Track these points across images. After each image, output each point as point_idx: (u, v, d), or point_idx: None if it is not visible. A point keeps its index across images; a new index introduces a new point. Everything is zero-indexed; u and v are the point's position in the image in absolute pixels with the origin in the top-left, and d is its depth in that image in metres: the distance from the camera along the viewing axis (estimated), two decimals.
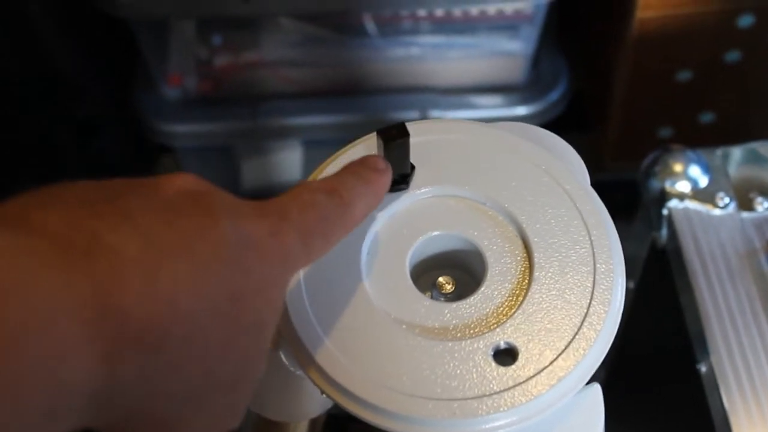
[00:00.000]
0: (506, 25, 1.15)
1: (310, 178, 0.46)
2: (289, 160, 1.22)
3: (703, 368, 0.64)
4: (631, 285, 0.79)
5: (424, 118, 1.17)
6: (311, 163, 1.22)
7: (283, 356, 0.44)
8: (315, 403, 0.49)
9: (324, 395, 0.41)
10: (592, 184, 0.48)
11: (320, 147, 1.20)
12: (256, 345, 0.34)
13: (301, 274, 0.42)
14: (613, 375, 0.76)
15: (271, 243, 0.34)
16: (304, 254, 0.36)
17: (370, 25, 1.14)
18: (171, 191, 0.33)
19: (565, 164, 0.47)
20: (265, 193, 1.21)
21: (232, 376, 0.34)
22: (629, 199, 0.78)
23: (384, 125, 0.43)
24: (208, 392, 0.33)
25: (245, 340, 0.33)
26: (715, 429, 0.63)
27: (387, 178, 0.41)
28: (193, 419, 0.33)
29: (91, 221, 0.30)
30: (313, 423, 0.51)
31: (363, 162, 0.41)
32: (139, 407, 0.31)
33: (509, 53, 1.17)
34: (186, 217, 0.32)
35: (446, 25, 1.15)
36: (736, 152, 0.74)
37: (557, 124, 1.20)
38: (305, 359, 0.41)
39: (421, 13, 1.12)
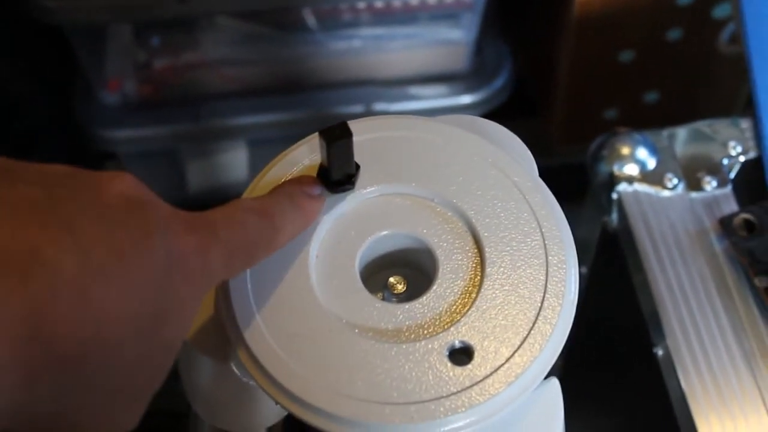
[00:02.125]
0: (447, 13, 1.14)
1: (255, 180, 0.45)
2: (234, 161, 1.21)
3: (660, 351, 0.64)
4: (584, 270, 0.79)
5: (368, 111, 1.16)
6: (257, 162, 1.21)
7: (234, 367, 0.43)
8: (270, 412, 0.48)
9: (278, 405, 0.40)
10: (541, 169, 0.47)
11: (266, 146, 1.19)
12: (166, 360, 0.35)
13: (248, 281, 0.42)
14: (569, 362, 0.76)
15: (196, 260, 0.34)
16: (224, 273, 0.37)
17: (310, 20, 1.13)
18: (111, 196, 0.32)
19: (511, 156, 0.46)
20: (212, 194, 1.20)
21: (140, 389, 0.34)
22: (579, 183, 0.78)
23: (329, 120, 0.42)
24: (113, 405, 0.33)
25: (157, 358, 0.34)
26: (675, 411, 0.63)
27: (319, 205, 0.42)
28: (96, 426, 0.34)
29: (33, 231, 0.29)
30: (271, 431, 0.50)
31: (299, 184, 0.42)
32: (48, 416, 0.31)
33: (451, 42, 1.17)
34: (122, 230, 0.32)
35: (387, 16, 1.14)
36: (682, 132, 0.74)
37: (503, 110, 1.20)
38: (256, 369, 0.40)
39: (361, 5, 1.11)
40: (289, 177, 0.44)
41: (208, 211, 0.37)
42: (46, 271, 0.29)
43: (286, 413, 0.48)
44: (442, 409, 0.39)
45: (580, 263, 0.46)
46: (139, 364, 0.33)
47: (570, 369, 0.77)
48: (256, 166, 1.20)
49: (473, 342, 0.40)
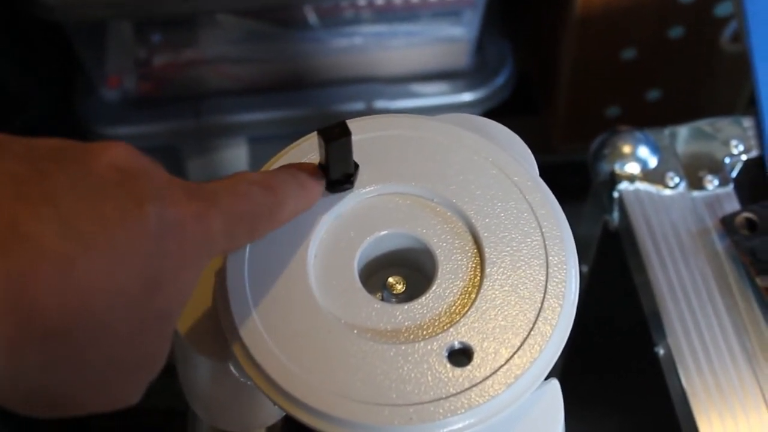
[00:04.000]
0: (448, 10, 1.14)
1: None
2: (235, 158, 1.21)
3: (661, 350, 0.64)
4: (585, 269, 0.79)
5: (369, 108, 1.16)
6: (257, 160, 1.21)
7: (232, 368, 0.43)
8: (269, 412, 0.47)
9: (276, 406, 0.40)
10: (542, 168, 0.47)
11: (266, 143, 1.19)
12: (162, 331, 0.34)
13: (246, 280, 0.41)
14: (570, 363, 0.75)
15: (195, 225, 0.34)
16: (226, 242, 0.36)
17: (311, 17, 1.13)
18: (101, 167, 0.32)
19: (511, 155, 0.46)
20: None
21: (136, 361, 0.34)
22: (580, 182, 0.78)
23: (329, 118, 0.42)
24: (110, 377, 0.33)
25: (152, 327, 0.33)
26: (676, 411, 0.63)
27: (321, 186, 0.42)
28: (92, 399, 0.34)
29: (14, 205, 0.29)
30: (270, 431, 0.50)
31: (300, 166, 0.42)
32: (38, 389, 0.31)
33: (452, 39, 1.16)
34: (111, 201, 0.31)
35: (388, 14, 1.14)
36: (684, 131, 0.74)
37: (504, 108, 1.19)
38: (254, 370, 0.40)
39: (362, 2, 1.11)
40: None
41: (210, 181, 0.36)
42: (25, 244, 0.29)
43: (284, 413, 0.48)
44: (441, 410, 0.38)
45: (581, 262, 0.46)
46: (130, 336, 0.32)
47: (570, 369, 0.77)
48: (257, 163, 1.20)
49: (473, 343, 0.40)
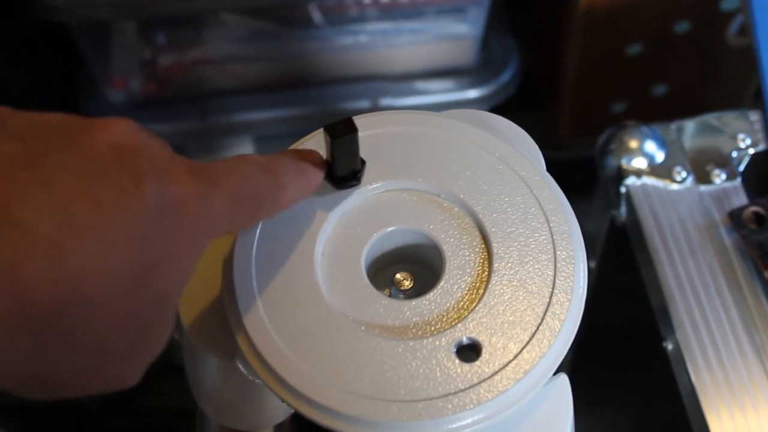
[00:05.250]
0: (453, 7, 1.14)
1: None
2: None
3: (670, 345, 0.64)
4: (593, 264, 0.79)
5: (375, 106, 1.16)
6: None
7: (240, 365, 0.43)
8: (278, 410, 0.47)
9: (284, 403, 0.40)
10: (549, 164, 0.47)
11: (272, 142, 1.19)
12: (160, 315, 0.34)
13: (253, 277, 0.41)
14: (579, 357, 0.75)
15: (196, 205, 0.34)
16: (227, 224, 0.36)
17: (316, 15, 1.12)
18: (101, 145, 0.32)
19: (518, 150, 0.46)
20: None
21: (132, 346, 0.33)
22: (587, 177, 0.78)
23: (335, 116, 0.42)
24: (104, 361, 0.33)
25: (149, 311, 0.33)
26: (685, 406, 0.62)
27: (321, 174, 0.42)
28: (88, 381, 0.33)
29: (6, 190, 0.29)
30: (279, 428, 0.50)
31: (302, 153, 0.42)
32: (32, 372, 0.31)
33: (458, 36, 1.16)
34: (107, 181, 0.31)
35: (393, 11, 1.13)
36: (691, 125, 0.73)
37: (510, 104, 1.19)
38: (262, 367, 0.40)
39: (367, 0, 1.11)
40: None
41: (212, 162, 0.36)
42: (17, 229, 0.29)
43: (293, 411, 0.48)
44: (450, 406, 0.38)
45: (589, 258, 0.46)
46: (126, 319, 0.32)
47: (579, 364, 0.77)
48: None
49: (481, 338, 0.40)
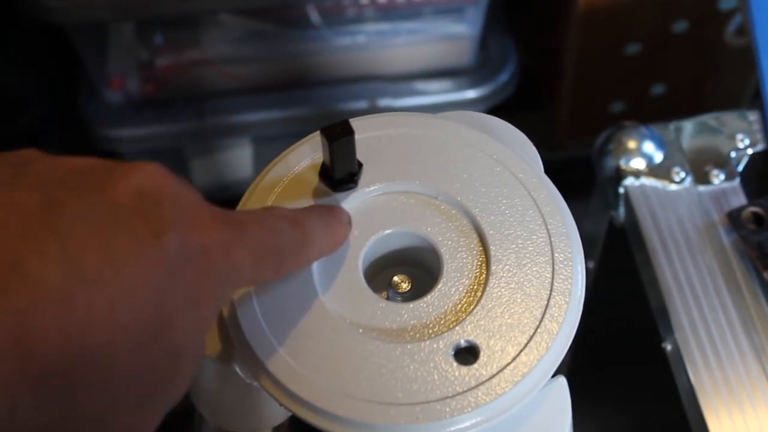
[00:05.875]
0: (451, 7, 1.14)
1: (258, 178, 0.44)
2: (239, 158, 1.21)
3: (669, 346, 0.64)
4: (591, 265, 0.79)
5: (373, 107, 1.16)
6: (262, 159, 1.21)
7: (237, 369, 0.43)
8: (275, 412, 0.47)
9: (282, 406, 0.40)
10: (547, 164, 0.47)
11: (270, 143, 1.19)
12: (175, 367, 0.33)
13: None
14: (577, 359, 0.75)
15: (219, 253, 0.33)
16: (251, 276, 0.35)
17: (313, 16, 1.12)
18: (122, 193, 0.31)
19: (516, 152, 0.45)
20: (217, 192, 1.19)
21: (143, 398, 0.32)
22: (585, 178, 0.77)
23: (333, 117, 0.42)
24: (112, 414, 0.32)
25: (162, 364, 0.32)
26: (684, 406, 0.62)
27: (347, 232, 0.42)
28: None
29: (18, 242, 0.28)
30: (276, 431, 0.50)
31: (330, 209, 0.42)
32: (37, 427, 0.30)
33: (456, 36, 1.16)
34: (124, 233, 0.30)
35: (390, 12, 1.13)
36: (689, 125, 0.73)
37: (508, 105, 1.19)
38: (259, 371, 0.40)
39: (364, 0, 1.11)
40: (292, 176, 0.44)
41: (240, 211, 0.36)
42: (27, 283, 0.28)
43: (290, 414, 0.48)
44: (447, 409, 0.38)
45: (587, 258, 0.46)
46: (137, 373, 0.31)
47: (577, 366, 0.76)
48: (261, 163, 1.20)
49: (479, 341, 0.40)
